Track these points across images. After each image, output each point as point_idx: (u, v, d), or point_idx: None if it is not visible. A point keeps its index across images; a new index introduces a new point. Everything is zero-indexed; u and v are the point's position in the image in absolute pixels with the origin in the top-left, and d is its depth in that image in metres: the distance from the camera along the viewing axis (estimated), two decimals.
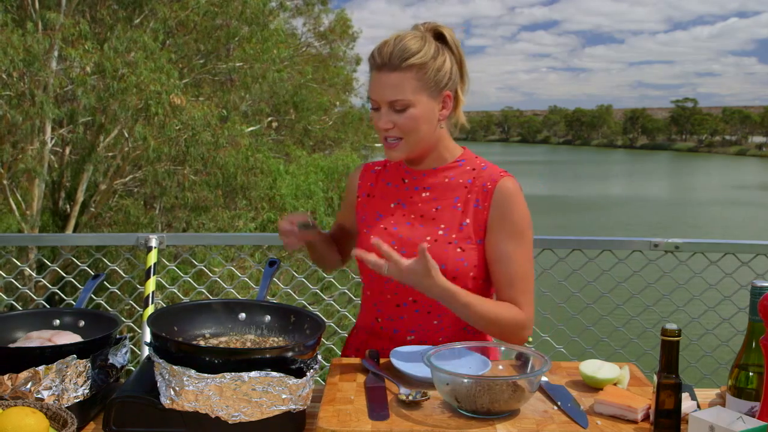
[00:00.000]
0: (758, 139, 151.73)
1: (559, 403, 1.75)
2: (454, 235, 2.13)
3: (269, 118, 20.69)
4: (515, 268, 2.11)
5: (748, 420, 1.45)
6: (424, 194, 2.22)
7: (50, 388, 1.65)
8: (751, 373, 1.61)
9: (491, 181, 2.15)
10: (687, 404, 1.65)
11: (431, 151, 2.20)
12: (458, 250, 2.12)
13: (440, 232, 2.15)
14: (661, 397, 1.58)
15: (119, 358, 1.87)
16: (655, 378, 1.60)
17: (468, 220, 2.14)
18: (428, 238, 2.14)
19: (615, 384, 1.86)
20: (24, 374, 1.64)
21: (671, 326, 1.57)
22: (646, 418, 1.67)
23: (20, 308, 3.65)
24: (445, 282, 1.97)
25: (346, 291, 3.83)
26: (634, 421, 1.66)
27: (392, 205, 2.25)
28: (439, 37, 2.15)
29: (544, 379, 1.88)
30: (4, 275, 3.82)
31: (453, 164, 2.22)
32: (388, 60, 2.06)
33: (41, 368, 1.64)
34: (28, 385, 1.64)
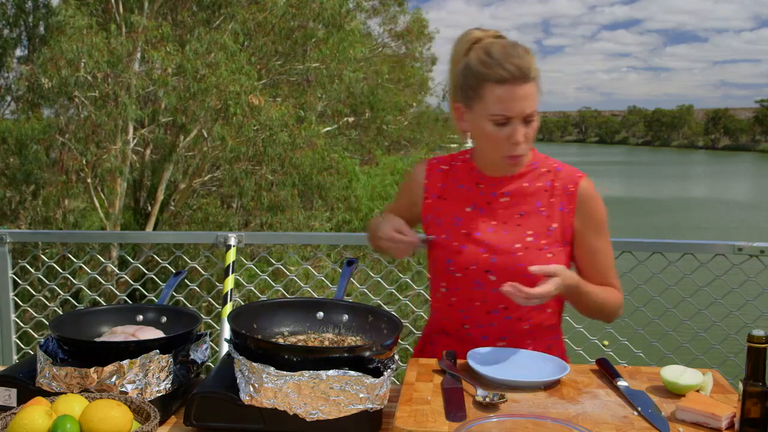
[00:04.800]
0: None
1: (639, 409, 1.71)
2: (543, 241, 2.13)
3: (345, 118, 20.82)
4: (604, 259, 2.21)
5: None
6: (502, 200, 2.17)
7: (134, 381, 1.70)
8: None
9: (573, 184, 2.16)
10: None
11: None
12: (549, 255, 2.12)
13: (529, 239, 2.13)
14: (747, 405, 1.54)
15: (200, 354, 1.91)
16: (741, 385, 1.55)
17: (555, 224, 2.15)
18: (517, 245, 2.13)
19: (698, 391, 1.82)
20: (109, 368, 1.68)
21: (758, 332, 1.53)
22: (730, 426, 1.63)
23: (104, 303, 3.75)
24: (574, 276, 2.06)
25: (422, 291, 3.83)
26: (718, 430, 1.62)
27: (468, 209, 2.20)
28: None
29: (624, 383, 1.85)
30: (89, 271, 3.94)
31: (528, 168, 2.19)
32: (520, 72, 1.99)
33: (126, 362, 1.69)
34: (113, 379, 1.69)
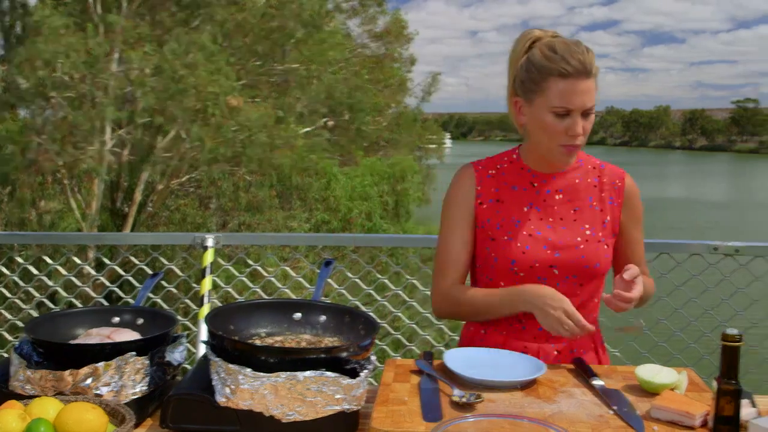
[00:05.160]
0: None
1: (615, 408, 1.72)
2: (600, 234, 2.25)
3: (324, 119, 20.77)
4: (641, 250, 2.38)
5: None
6: (557, 197, 2.26)
7: (109, 384, 1.69)
8: None
9: (619, 179, 2.31)
10: (747, 411, 1.62)
11: None
12: (605, 247, 2.24)
13: (588, 232, 2.23)
14: (721, 403, 1.55)
15: (176, 355, 1.90)
16: (715, 384, 1.57)
17: (608, 218, 2.27)
18: (578, 239, 2.22)
19: (672, 389, 1.83)
20: (84, 370, 1.67)
21: (732, 331, 1.55)
22: (704, 424, 1.64)
23: (80, 305, 3.72)
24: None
25: (400, 292, 3.83)
26: (692, 428, 1.63)
27: (525, 209, 2.25)
28: None
29: (599, 382, 1.86)
30: (64, 273, 3.90)
31: (576, 165, 2.29)
32: (583, 67, 2.09)
33: (101, 365, 1.68)
34: (88, 381, 1.67)
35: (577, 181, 2.28)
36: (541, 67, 2.12)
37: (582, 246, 2.21)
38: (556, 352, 2.22)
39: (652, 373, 1.86)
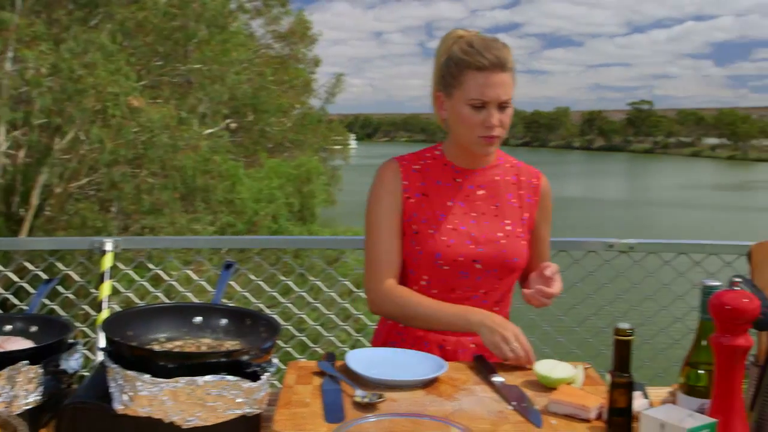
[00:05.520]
0: (711, 140, 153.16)
1: (514, 403, 1.76)
2: (519, 229, 2.33)
3: (227, 120, 20.53)
4: (547, 247, 2.48)
5: (698, 417, 1.47)
6: (479, 192, 2.33)
7: (0, 395, 1.63)
8: (701, 371, 1.63)
9: (536, 178, 2.42)
10: (639, 402, 1.67)
11: None
12: (523, 242, 2.33)
13: (508, 227, 2.31)
14: (614, 395, 1.60)
15: (72, 363, 1.84)
16: (608, 377, 1.61)
17: (526, 214, 2.36)
18: (500, 234, 2.29)
19: (569, 383, 1.88)
20: None
21: (624, 325, 1.59)
22: (599, 416, 1.69)
23: None
24: None
25: (304, 294, 3.82)
26: (588, 420, 1.68)
27: (449, 203, 2.31)
28: None
29: (499, 379, 1.90)
30: None
31: (495, 162, 2.38)
32: (498, 61, 2.17)
33: None
34: None
35: (497, 178, 2.35)
36: (459, 60, 2.20)
37: (503, 241, 2.28)
38: (473, 345, 2.26)
39: (549, 368, 1.90)
